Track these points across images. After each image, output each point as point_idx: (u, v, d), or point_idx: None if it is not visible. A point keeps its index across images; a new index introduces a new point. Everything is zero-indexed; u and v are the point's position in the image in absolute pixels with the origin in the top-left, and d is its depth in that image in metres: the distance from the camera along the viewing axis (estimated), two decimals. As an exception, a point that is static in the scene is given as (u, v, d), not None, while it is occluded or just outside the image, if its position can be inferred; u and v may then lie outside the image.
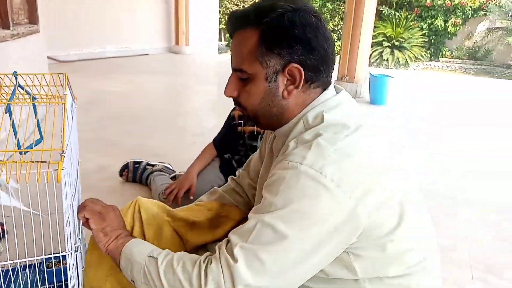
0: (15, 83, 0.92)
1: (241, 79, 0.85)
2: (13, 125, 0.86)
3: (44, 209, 0.91)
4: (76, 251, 0.91)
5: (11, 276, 1.16)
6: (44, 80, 0.96)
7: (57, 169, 0.73)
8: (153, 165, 2.12)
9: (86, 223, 0.92)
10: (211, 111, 4.09)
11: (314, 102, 0.85)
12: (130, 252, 0.85)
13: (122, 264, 0.86)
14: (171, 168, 2.15)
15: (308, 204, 0.72)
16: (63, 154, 0.76)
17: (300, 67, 0.80)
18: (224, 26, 10.70)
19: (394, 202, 0.79)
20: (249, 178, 1.19)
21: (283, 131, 0.88)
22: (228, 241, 0.78)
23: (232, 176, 1.25)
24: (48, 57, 4.45)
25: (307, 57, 0.80)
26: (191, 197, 1.72)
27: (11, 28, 2.58)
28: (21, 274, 1.24)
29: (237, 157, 1.88)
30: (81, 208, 0.92)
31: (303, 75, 0.81)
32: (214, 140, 1.94)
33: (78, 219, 0.93)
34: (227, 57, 9.42)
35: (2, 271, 1.19)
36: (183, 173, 1.88)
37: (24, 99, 0.94)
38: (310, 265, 0.75)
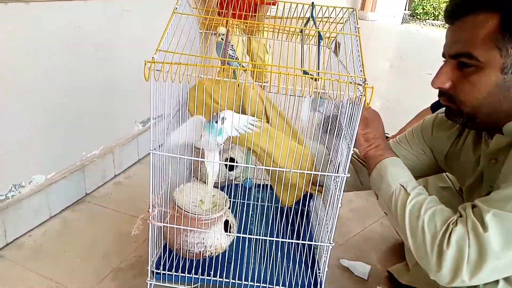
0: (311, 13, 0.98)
1: (460, 68, 0.76)
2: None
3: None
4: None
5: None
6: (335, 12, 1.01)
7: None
8: None
9: None
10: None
11: None
12: (385, 169, 0.85)
13: (373, 175, 0.88)
14: None
15: None
16: (366, 82, 0.79)
17: None
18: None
19: None
20: None
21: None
22: (474, 206, 0.72)
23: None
24: None
25: None
26: None
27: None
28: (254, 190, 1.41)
29: None
30: None
31: None
32: (431, 105, 1.86)
33: None
34: (410, 27, 8.67)
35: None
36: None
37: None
38: None
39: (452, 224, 0.73)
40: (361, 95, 0.78)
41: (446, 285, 0.73)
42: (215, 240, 0.98)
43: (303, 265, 1.09)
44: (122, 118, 1.72)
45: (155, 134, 0.90)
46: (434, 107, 1.88)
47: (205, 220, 0.95)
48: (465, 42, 0.74)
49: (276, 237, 1.12)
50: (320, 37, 1.02)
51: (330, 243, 0.95)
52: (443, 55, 0.81)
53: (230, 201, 1.26)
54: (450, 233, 0.71)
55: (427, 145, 1.02)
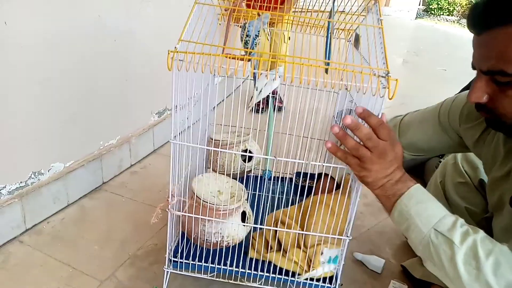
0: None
1: (496, 82, 0.71)
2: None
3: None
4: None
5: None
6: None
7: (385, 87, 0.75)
8: None
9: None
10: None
11: None
12: (407, 211, 0.74)
13: (394, 217, 0.77)
14: None
15: None
16: (389, 75, 0.78)
17: None
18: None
19: None
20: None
21: None
22: None
23: None
24: None
25: None
26: None
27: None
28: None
29: None
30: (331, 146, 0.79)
31: None
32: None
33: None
34: (424, 22, 8.56)
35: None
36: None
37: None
38: None
39: None
40: (384, 88, 0.78)
41: None
42: (232, 230, 0.99)
43: (318, 257, 1.10)
44: (139, 109, 1.74)
45: (175, 123, 0.90)
46: None
47: (223, 210, 0.96)
48: (497, 59, 0.68)
49: (292, 229, 1.13)
50: (329, 28, 1.01)
51: (347, 236, 0.95)
52: (473, 67, 0.75)
53: (248, 192, 1.27)
54: None
55: (454, 132, 0.98)
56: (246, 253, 1.06)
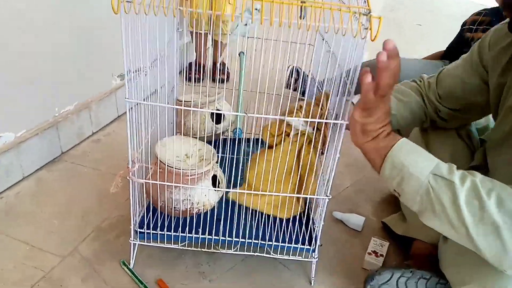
0: None
1: None
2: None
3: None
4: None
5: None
6: None
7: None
8: None
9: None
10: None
11: None
12: (400, 161, 0.69)
13: (384, 172, 0.71)
14: None
15: None
16: (370, 14, 0.69)
17: None
18: None
19: None
20: (438, 95, 0.97)
21: None
22: None
23: (414, 80, 1.04)
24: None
25: None
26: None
27: None
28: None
29: None
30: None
31: None
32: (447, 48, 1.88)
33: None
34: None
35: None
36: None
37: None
38: None
39: None
40: (366, 29, 0.69)
41: None
42: (203, 196, 0.91)
43: (297, 219, 1.04)
44: (98, 72, 1.58)
45: (130, 79, 0.79)
46: (447, 53, 1.82)
47: (191, 175, 0.87)
48: None
49: (268, 192, 1.06)
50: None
51: (326, 196, 0.89)
52: None
53: (218, 155, 1.18)
54: None
55: (484, 69, 0.91)
56: (219, 220, 0.98)
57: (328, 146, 0.89)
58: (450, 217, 0.65)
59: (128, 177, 0.87)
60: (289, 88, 1.90)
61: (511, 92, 0.79)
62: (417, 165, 0.68)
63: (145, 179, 0.89)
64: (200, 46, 2.01)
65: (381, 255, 1.08)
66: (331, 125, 0.83)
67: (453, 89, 0.94)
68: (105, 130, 1.64)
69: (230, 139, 1.33)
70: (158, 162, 0.88)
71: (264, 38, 0.96)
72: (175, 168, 0.86)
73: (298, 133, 0.91)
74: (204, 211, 0.93)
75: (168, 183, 0.86)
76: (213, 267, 1.02)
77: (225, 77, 2.12)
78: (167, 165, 0.86)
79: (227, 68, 2.19)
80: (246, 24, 0.90)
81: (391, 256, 1.11)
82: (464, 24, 1.76)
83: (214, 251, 0.97)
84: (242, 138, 1.33)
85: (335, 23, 0.68)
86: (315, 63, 1.21)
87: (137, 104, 0.82)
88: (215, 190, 0.93)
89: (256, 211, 1.02)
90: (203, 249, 0.96)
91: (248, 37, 1.25)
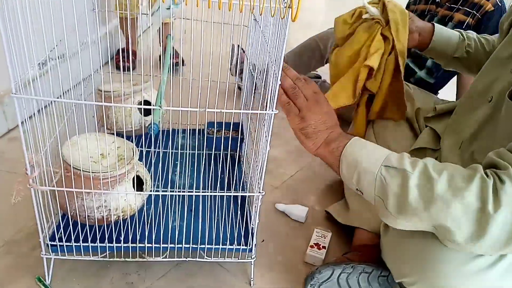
0: None
1: None
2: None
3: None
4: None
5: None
6: None
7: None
8: None
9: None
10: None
11: None
12: (354, 158, 0.68)
13: (343, 173, 0.70)
14: None
15: None
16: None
17: None
18: None
19: None
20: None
21: None
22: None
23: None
24: None
25: None
26: None
27: None
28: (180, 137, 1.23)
29: None
30: (279, 96, 0.73)
31: None
32: None
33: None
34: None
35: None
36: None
37: None
38: None
39: (490, 178, 0.59)
40: (286, 7, 0.60)
41: (493, 253, 0.63)
42: (122, 201, 0.80)
43: (234, 218, 0.96)
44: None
45: (13, 66, 0.66)
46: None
47: (103, 178, 0.76)
48: None
49: (202, 191, 0.97)
50: None
51: (260, 192, 0.82)
52: None
53: (142, 151, 1.07)
54: (497, 192, 0.58)
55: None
56: (146, 224, 0.88)
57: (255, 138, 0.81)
58: (407, 208, 0.62)
59: (28, 185, 0.75)
60: (235, 74, 1.78)
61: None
62: (369, 159, 0.67)
63: (49, 185, 0.76)
64: (127, 31, 1.84)
65: (324, 247, 1.03)
66: (258, 116, 0.75)
67: None
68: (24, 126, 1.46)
69: (163, 131, 1.22)
70: (64, 165, 0.76)
71: (194, 19, 0.86)
72: (82, 171, 0.74)
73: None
74: (125, 217, 0.82)
75: (76, 189, 0.75)
76: (143, 276, 0.92)
77: (180, 60, 1.83)
78: (73, 167, 0.74)
79: (176, 51, 1.91)
80: (168, 8, 0.79)
81: (334, 248, 1.07)
82: None
83: (140, 260, 0.87)
84: (178, 130, 1.23)
85: (260, 2, 0.60)
86: (249, 46, 1.12)
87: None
88: (136, 193, 0.82)
89: (188, 212, 0.93)
90: (127, 259, 0.86)
91: (175, 19, 1.13)
